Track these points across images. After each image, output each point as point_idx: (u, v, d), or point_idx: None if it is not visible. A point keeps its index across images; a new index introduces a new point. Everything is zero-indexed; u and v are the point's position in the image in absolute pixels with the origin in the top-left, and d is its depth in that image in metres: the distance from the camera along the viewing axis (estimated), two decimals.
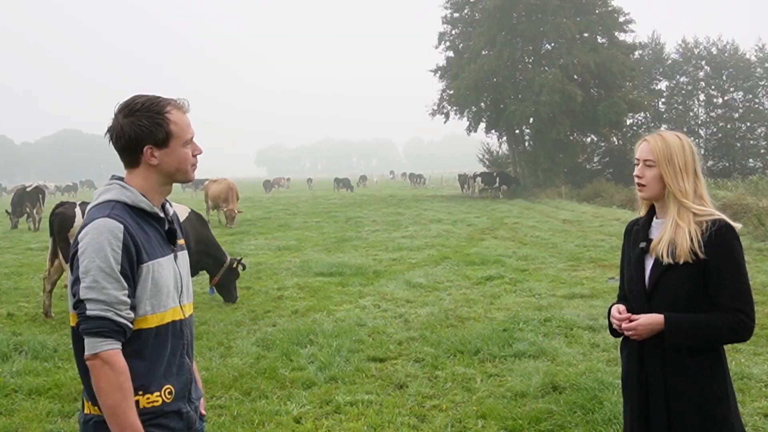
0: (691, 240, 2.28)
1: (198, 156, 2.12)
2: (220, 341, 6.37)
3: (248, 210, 25.37)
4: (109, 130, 2.02)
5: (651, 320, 2.32)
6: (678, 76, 40.44)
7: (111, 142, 2.02)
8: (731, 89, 39.66)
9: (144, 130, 1.96)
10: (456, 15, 37.61)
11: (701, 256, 2.27)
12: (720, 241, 2.27)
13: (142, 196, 2.01)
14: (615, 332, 2.53)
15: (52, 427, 4.39)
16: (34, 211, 19.26)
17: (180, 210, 7.96)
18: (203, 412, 2.26)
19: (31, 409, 4.65)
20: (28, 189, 19.73)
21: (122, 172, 2.09)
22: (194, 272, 8.33)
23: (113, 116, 2.00)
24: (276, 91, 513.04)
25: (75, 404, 4.74)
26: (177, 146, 2.02)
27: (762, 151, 38.90)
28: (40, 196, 19.63)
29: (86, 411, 1.98)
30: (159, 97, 2.03)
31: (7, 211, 19.78)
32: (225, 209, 18.68)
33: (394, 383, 5.11)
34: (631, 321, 2.37)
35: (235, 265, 8.19)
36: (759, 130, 39.20)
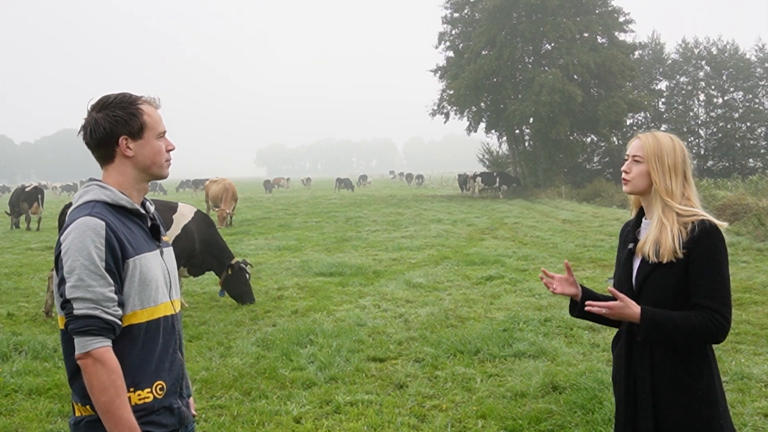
0: (673, 239, 2.29)
1: (171, 152, 2.12)
2: (220, 341, 6.37)
3: (248, 210, 25.38)
4: (83, 127, 2.03)
5: (624, 307, 2.29)
6: (678, 76, 40.39)
7: (86, 139, 2.03)
8: (731, 89, 39.60)
9: (119, 120, 1.98)
10: (456, 15, 37.59)
11: (680, 255, 2.27)
12: (702, 242, 2.27)
13: (122, 194, 2.01)
14: (572, 311, 2.60)
15: (52, 427, 4.39)
16: (30, 211, 19.35)
17: (186, 210, 7.87)
18: (194, 411, 2.25)
19: (31, 409, 4.65)
20: (27, 189, 19.77)
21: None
22: (200, 272, 8.21)
23: (86, 114, 2.02)
24: (276, 91, 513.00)
25: None
26: (151, 138, 2.04)
27: (762, 151, 38.82)
28: (39, 196, 19.64)
29: (77, 414, 1.97)
30: (130, 94, 2.06)
31: (6, 212, 19.91)
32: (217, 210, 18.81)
33: (394, 383, 5.11)
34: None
35: (230, 272, 7.94)
36: (759, 130, 39.13)
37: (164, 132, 2.08)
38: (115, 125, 1.98)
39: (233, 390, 4.99)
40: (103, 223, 1.89)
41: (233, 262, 8.06)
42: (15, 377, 5.27)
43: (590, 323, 6.61)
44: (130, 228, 2.00)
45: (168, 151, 2.10)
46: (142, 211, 2.08)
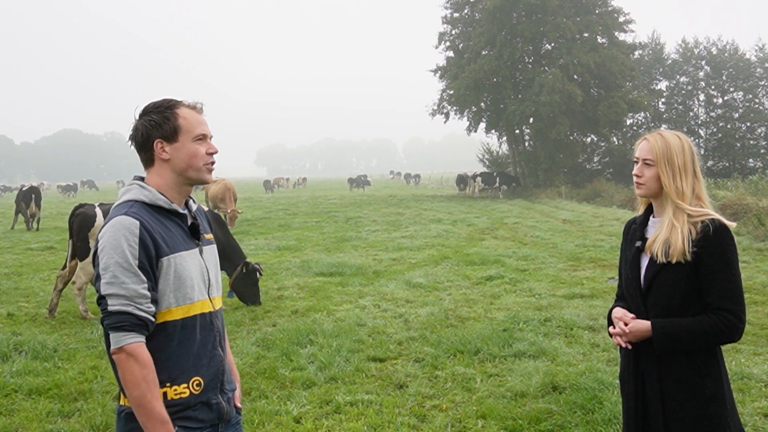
0: (683, 241, 2.30)
1: (214, 155, 2.16)
2: None
3: (248, 210, 25.36)
4: (130, 133, 2.14)
5: (639, 327, 2.36)
6: (678, 76, 40.39)
7: (132, 144, 2.13)
8: (731, 89, 39.60)
9: (153, 124, 2.05)
10: (456, 15, 37.59)
11: (688, 257, 2.29)
12: (713, 241, 2.28)
13: (160, 194, 2.06)
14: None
15: (52, 427, 4.38)
16: (28, 212, 19.48)
17: None
18: (239, 404, 2.26)
19: (31, 409, 4.65)
20: (24, 189, 19.96)
21: (119, 174, 2.14)
22: None
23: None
24: (276, 91, 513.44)
25: (75, 404, 4.74)
26: (186, 141, 2.07)
27: (762, 151, 38.82)
28: (34, 195, 19.75)
29: (121, 402, 2.03)
30: (172, 99, 2.12)
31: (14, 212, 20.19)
32: (225, 210, 18.69)
33: (394, 383, 5.11)
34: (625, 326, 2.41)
35: (244, 271, 7.90)
36: (759, 130, 39.13)
37: (203, 135, 2.11)
38: (151, 129, 2.06)
39: None
40: (138, 222, 1.95)
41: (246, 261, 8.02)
42: (15, 377, 5.27)
43: (589, 323, 6.63)
44: (168, 227, 2.05)
45: (209, 154, 2.13)
46: (181, 211, 2.11)
